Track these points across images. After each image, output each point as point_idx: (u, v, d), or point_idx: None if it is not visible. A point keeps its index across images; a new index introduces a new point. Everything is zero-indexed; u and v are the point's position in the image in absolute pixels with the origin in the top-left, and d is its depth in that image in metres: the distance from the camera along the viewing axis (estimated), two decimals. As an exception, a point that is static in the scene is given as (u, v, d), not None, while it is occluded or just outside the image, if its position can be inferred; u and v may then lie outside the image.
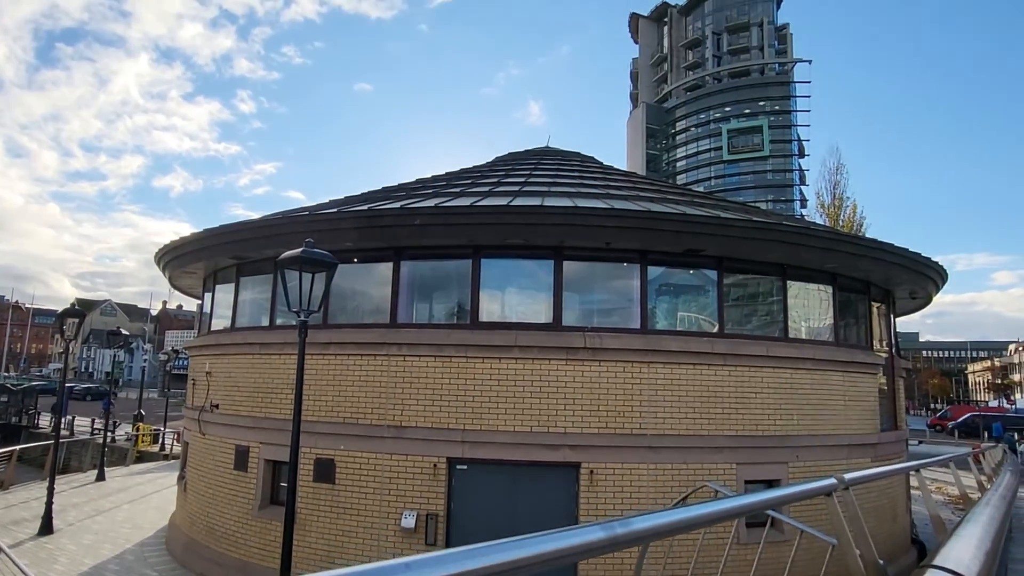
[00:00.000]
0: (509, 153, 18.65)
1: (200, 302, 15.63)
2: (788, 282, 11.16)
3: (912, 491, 14.15)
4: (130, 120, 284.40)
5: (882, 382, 13.13)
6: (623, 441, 9.53)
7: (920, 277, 12.92)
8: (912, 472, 9.66)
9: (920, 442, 40.33)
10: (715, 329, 10.56)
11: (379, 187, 15.24)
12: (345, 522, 9.82)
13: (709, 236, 10.17)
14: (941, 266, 13.23)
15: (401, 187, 14.85)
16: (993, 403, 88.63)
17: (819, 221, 37.70)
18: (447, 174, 16.09)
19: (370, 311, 11.10)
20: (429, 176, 16.10)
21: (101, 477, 20.00)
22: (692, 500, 8.77)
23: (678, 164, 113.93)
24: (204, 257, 12.59)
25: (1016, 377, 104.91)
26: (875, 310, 13.41)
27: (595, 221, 9.85)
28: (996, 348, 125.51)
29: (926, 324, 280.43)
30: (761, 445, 10.15)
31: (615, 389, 9.66)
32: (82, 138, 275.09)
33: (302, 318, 7.26)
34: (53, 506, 13.15)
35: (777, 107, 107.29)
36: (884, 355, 13.40)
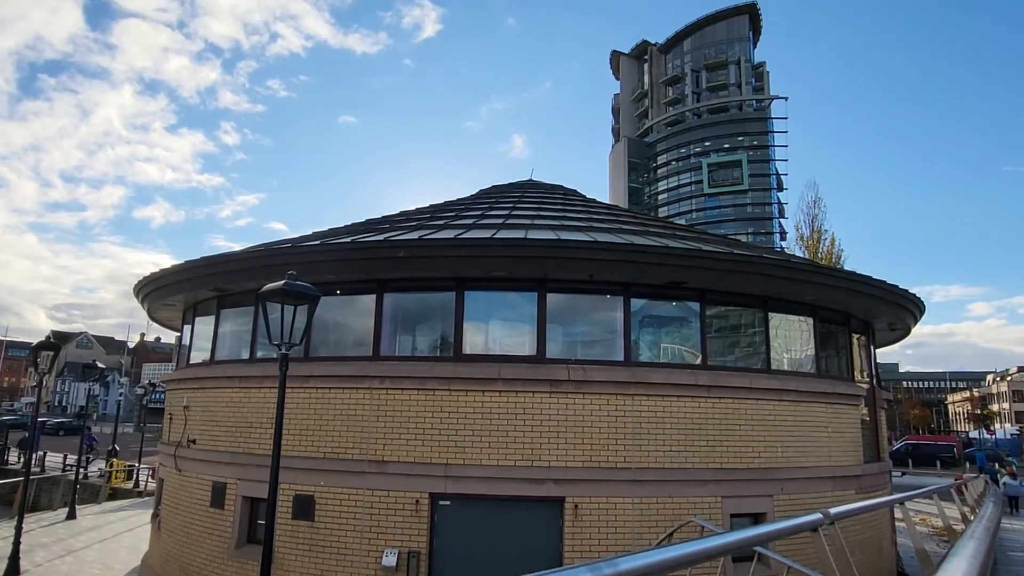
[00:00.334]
0: (493, 186, 18.80)
1: (179, 334, 15.40)
2: (770, 314, 11.24)
3: (897, 523, 14.13)
4: (112, 151, 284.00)
5: (864, 413, 13.19)
6: (608, 475, 9.44)
7: (898, 309, 13.10)
8: (897, 504, 9.66)
9: (903, 473, 40.51)
10: (698, 360, 10.58)
11: (363, 219, 15.23)
12: (324, 561, 9.56)
13: (691, 268, 10.25)
14: (918, 298, 13.42)
15: (385, 219, 14.86)
16: (974, 433, 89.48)
17: (798, 253, 38.28)
18: (431, 206, 16.15)
19: (352, 344, 10.99)
20: (413, 208, 16.14)
21: (72, 515, 19.38)
22: (678, 536, 8.69)
23: (660, 197, 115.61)
24: (185, 289, 12.44)
25: (995, 407, 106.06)
26: (855, 341, 13.53)
27: (578, 254, 9.90)
28: (975, 378, 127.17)
29: (906, 355, 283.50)
30: (746, 478, 10.10)
31: (599, 422, 9.60)
32: (63, 169, 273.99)
33: (283, 351, 7.16)
34: (21, 546, 12.67)
35: (755, 142, 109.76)
36: (865, 386, 13.48)
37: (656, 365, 10.50)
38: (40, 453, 31.24)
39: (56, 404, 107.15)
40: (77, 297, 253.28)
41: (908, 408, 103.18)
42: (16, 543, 12.60)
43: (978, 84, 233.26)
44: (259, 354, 11.38)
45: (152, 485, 22.66)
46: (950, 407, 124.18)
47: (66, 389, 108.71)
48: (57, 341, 14.44)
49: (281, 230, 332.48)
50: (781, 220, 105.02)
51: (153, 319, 16.05)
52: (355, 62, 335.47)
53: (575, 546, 9.18)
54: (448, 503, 9.47)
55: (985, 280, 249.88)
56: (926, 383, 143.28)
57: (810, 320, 11.90)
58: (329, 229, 14.59)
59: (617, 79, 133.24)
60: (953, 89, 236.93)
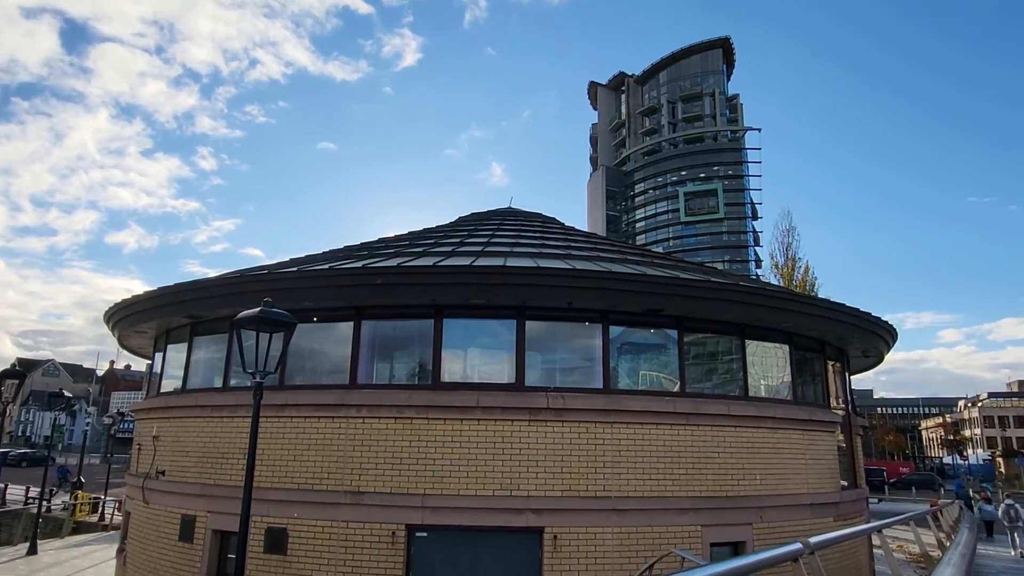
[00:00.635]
0: (472, 213, 18.86)
1: (150, 362, 15.06)
2: (747, 341, 11.34)
3: (875, 550, 14.15)
4: (85, 175, 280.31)
5: (840, 440, 13.28)
6: (588, 504, 9.35)
7: (871, 336, 13.29)
8: (875, 532, 9.68)
9: (880, 500, 40.77)
10: (677, 387, 10.60)
11: (341, 246, 15.16)
12: (297, 596, 9.27)
13: (669, 296, 10.32)
14: (891, 325, 13.65)
15: (363, 246, 14.80)
16: (947, 459, 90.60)
17: (774, 281, 38.87)
18: (410, 233, 16.13)
19: (328, 371, 10.83)
20: (392, 235, 16.12)
21: (33, 550, 18.61)
22: (658, 568, 8.59)
23: (637, 225, 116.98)
24: (157, 316, 12.20)
25: (967, 432, 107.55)
26: (831, 368, 13.68)
27: (557, 281, 9.93)
28: (947, 404, 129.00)
29: (880, 381, 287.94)
30: (725, 506, 10.06)
31: (579, 450, 9.53)
32: (33, 193, 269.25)
33: (257, 379, 7.03)
34: (-24, 585, 12.17)
35: (730, 171, 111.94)
36: (841, 412, 13.60)
37: (635, 393, 10.49)
38: (1, 485, 30.20)
39: (20, 434, 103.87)
40: (45, 323, 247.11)
41: (883, 434, 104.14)
42: (-28, 581, 12.09)
43: (951, 113, 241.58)
44: (232, 382, 11.16)
45: (118, 518, 21.96)
46: (924, 433, 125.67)
47: (31, 419, 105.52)
48: (23, 369, 14.07)
49: (257, 256, 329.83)
50: (756, 248, 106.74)
51: (124, 346, 15.70)
52: (335, 89, 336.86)
53: (554, 578, 9.02)
54: (425, 535, 9.28)
55: (955, 307, 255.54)
56: (900, 409, 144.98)
57: (786, 347, 12.01)
58: (306, 256, 14.49)
59: (595, 109, 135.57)
60: (926, 117, 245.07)
